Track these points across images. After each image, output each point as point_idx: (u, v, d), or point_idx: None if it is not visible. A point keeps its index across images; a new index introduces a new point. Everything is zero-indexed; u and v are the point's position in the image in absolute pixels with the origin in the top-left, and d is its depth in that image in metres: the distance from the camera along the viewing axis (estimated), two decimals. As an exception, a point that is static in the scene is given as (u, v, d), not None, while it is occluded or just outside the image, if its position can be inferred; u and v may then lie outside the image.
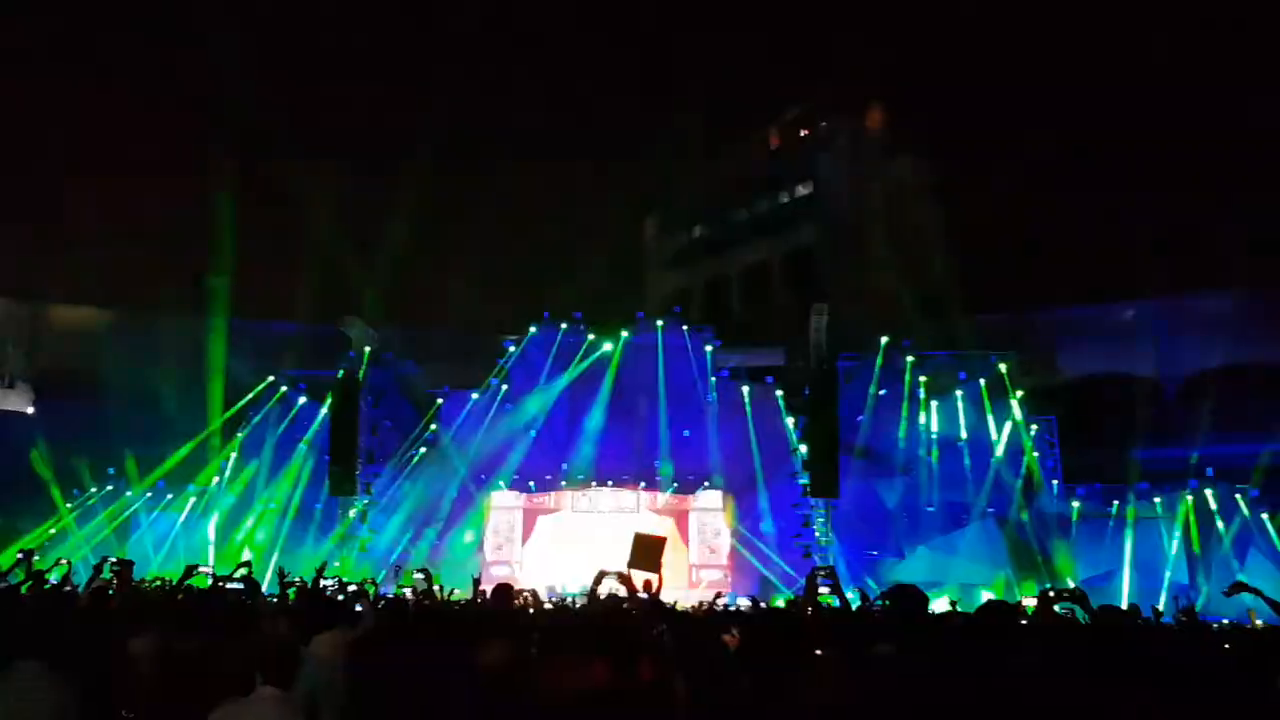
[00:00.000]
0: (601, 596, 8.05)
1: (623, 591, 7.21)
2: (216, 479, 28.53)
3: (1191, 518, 24.18)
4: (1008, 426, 25.36)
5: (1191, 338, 33.99)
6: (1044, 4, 46.66)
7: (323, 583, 11.15)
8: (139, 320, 39.83)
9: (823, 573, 7.32)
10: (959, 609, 13.04)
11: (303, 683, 5.37)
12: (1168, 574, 23.61)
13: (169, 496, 28.76)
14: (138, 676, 5.70)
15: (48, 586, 10.36)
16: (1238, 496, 24.35)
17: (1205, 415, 30.21)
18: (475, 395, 28.24)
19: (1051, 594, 6.42)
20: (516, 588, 15.91)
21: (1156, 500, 24.74)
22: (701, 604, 16.04)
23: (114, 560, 11.70)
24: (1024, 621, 7.92)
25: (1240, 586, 7.60)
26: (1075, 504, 25.02)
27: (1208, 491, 24.41)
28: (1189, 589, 22.98)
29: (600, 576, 7.97)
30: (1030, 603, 14.19)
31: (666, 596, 16.82)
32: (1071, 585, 19.34)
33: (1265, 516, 24.11)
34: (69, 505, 29.01)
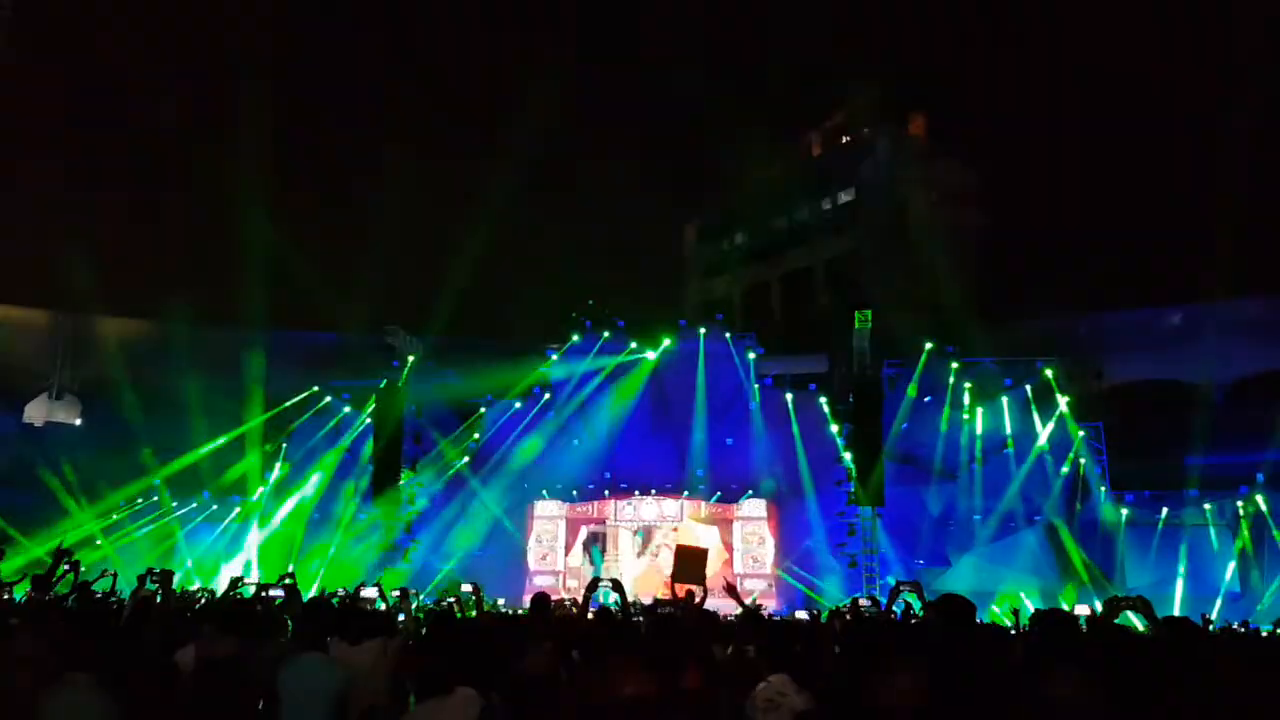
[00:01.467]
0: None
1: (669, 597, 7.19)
2: (260, 489, 28.77)
3: (1245, 525, 23.66)
4: (1054, 433, 24.96)
5: (1240, 342, 33.41)
6: (1091, 10, 46.17)
7: (364, 592, 11.19)
8: (182, 331, 40.37)
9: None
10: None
11: (334, 684, 5.37)
12: (1224, 582, 23.13)
13: (214, 507, 29.04)
14: (181, 689, 5.69)
15: (95, 597, 10.44)
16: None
17: (1255, 421, 29.66)
18: (518, 404, 28.29)
19: (1117, 603, 6.27)
20: (558, 597, 15.88)
21: (1207, 507, 24.24)
22: (757, 607, 15.90)
23: (155, 572, 11.80)
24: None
25: None
26: (1124, 511, 24.60)
27: (1259, 498, 23.85)
28: (1240, 597, 22.54)
29: (594, 584, 7.96)
30: (1083, 611, 13.95)
31: (710, 606, 16.70)
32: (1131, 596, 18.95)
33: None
34: (114, 515, 29.27)
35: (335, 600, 12.26)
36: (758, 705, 4.83)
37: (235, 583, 9.64)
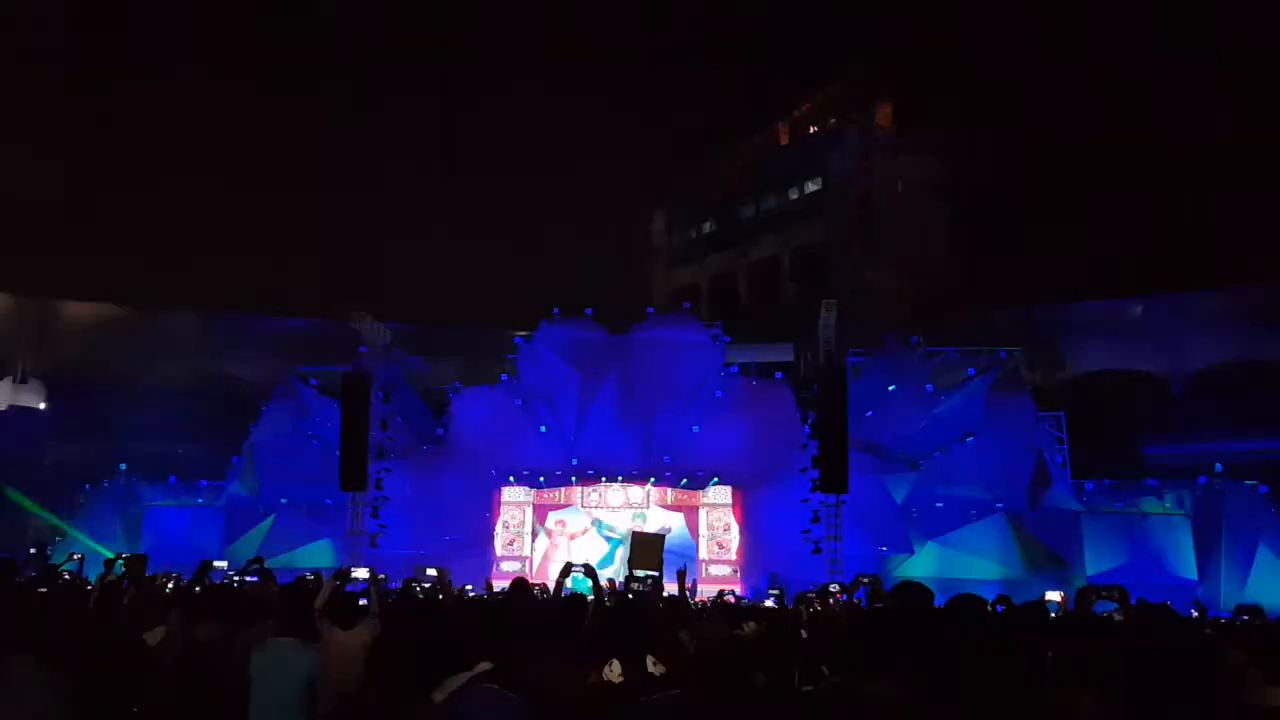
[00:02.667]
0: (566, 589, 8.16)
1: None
2: (227, 474, 28.68)
3: (1203, 514, 24.15)
4: (1016, 422, 25.33)
5: (1200, 334, 34.07)
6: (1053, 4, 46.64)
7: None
8: (148, 316, 40.12)
9: (866, 579, 7.43)
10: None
11: (303, 669, 5.46)
12: (1182, 570, 23.60)
13: (182, 492, 28.92)
14: (150, 672, 5.77)
15: (62, 580, 10.48)
16: (1246, 493, 24.29)
17: (1213, 411, 30.29)
18: (485, 391, 28.39)
19: (1091, 592, 6.46)
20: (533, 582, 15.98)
21: (1165, 496, 24.71)
22: (722, 594, 16.17)
23: (126, 556, 11.83)
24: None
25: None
26: (1084, 500, 25.02)
27: (1216, 487, 24.34)
28: (1199, 585, 23.01)
29: (567, 569, 8.09)
30: (1054, 597, 14.24)
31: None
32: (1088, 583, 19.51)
33: (1275, 512, 24.09)
34: (79, 499, 29.11)
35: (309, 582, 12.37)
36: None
37: (206, 567, 9.69)
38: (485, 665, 4.50)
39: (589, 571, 7.83)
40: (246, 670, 5.70)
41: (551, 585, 8.33)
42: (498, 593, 16.00)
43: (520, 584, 8.16)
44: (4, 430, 35.39)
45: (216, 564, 11.83)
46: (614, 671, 4.48)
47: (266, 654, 5.55)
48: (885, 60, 50.24)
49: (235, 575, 12.03)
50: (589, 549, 25.89)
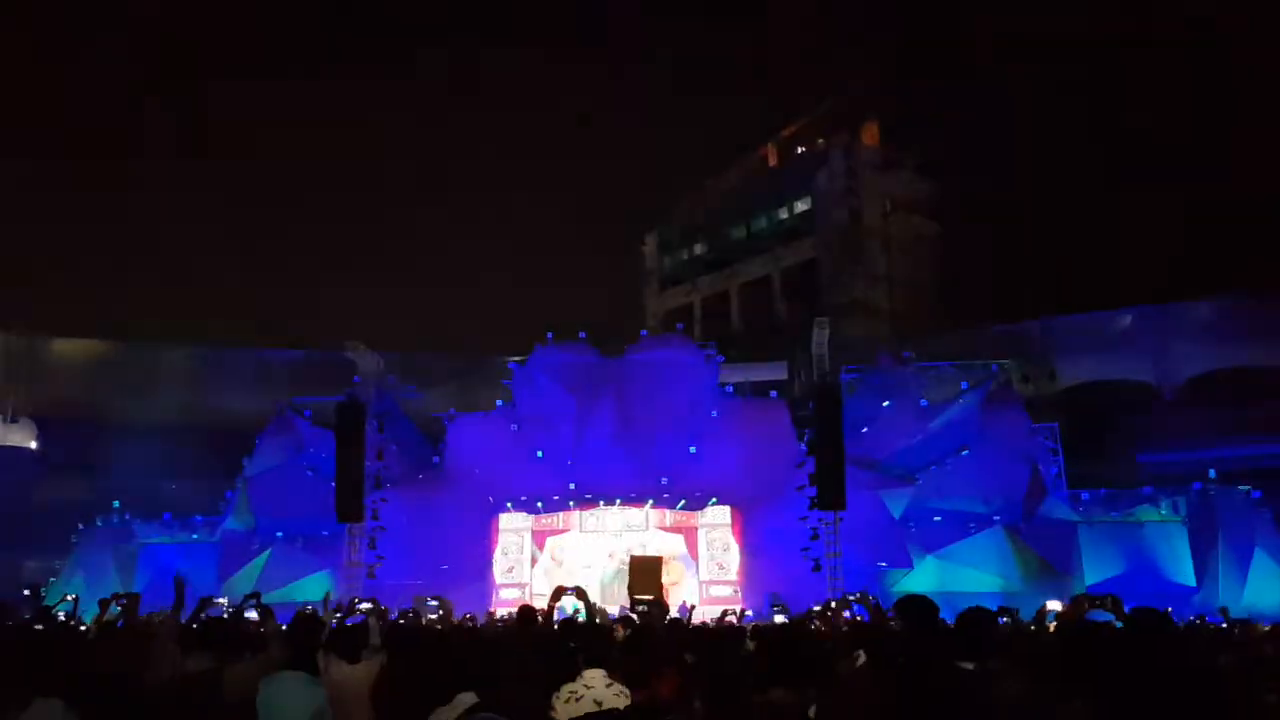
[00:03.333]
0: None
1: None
2: (222, 509, 28.55)
3: (1199, 521, 24.21)
4: (1010, 434, 25.40)
5: (1189, 343, 34.29)
6: (1036, 22, 47.10)
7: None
8: (139, 352, 40.06)
9: (854, 597, 7.45)
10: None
11: (310, 703, 5.42)
12: (1179, 578, 23.65)
13: (176, 529, 28.76)
14: (148, 707, 5.74)
15: (57, 621, 10.45)
16: (1240, 499, 24.38)
17: (1206, 418, 30.44)
18: (480, 417, 28.37)
19: (1085, 601, 6.49)
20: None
21: (1161, 503, 24.77)
22: (724, 614, 16.12)
23: (121, 594, 11.79)
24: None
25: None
26: (1080, 509, 25.08)
27: (1210, 493, 24.42)
28: (1196, 592, 23.04)
29: (558, 593, 8.08)
30: (1055, 606, 14.23)
31: (678, 613, 16.78)
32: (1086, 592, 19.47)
33: (1269, 516, 24.18)
34: (73, 539, 28.95)
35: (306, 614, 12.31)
36: (561, 696, 4.83)
37: (205, 603, 9.66)
38: (469, 697, 4.53)
39: (580, 594, 7.83)
40: (247, 702, 5.68)
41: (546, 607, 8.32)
42: (499, 620, 15.99)
43: (526, 612, 8.17)
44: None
45: (217, 600, 11.79)
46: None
47: (274, 686, 5.51)
48: (872, 80, 50.70)
49: (229, 610, 11.96)
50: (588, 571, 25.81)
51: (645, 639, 5.02)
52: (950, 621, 4.68)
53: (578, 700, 4.68)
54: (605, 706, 4.34)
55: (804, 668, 3.78)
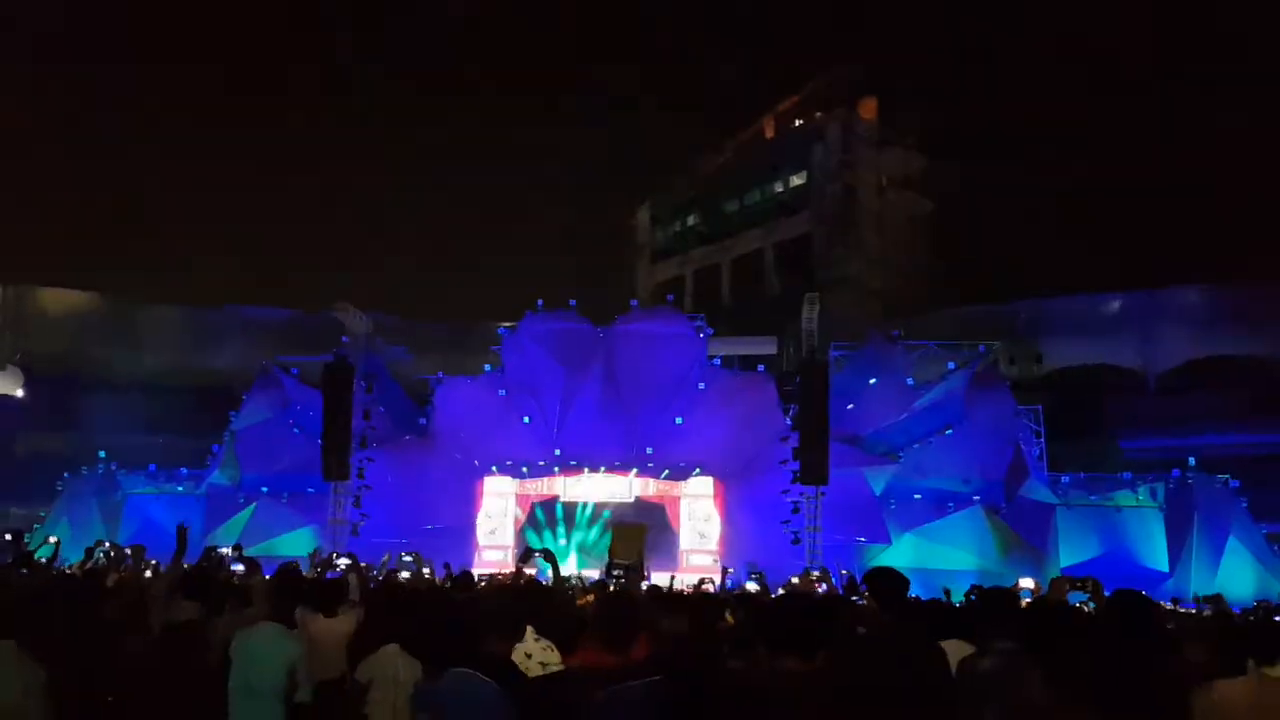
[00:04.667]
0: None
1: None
2: (208, 463, 28.65)
3: (1173, 507, 24.48)
4: (994, 415, 25.58)
5: (1175, 329, 34.47)
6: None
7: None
8: (126, 306, 40.00)
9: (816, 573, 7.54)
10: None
11: (284, 654, 5.50)
12: (1154, 562, 23.96)
13: (161, 480, 28.87)
14: (127, 656, 5.82)
15: (38, 565, 10.55)
16: (1218, 487, 24.64)
17: (1188, 406, 30.69)
18: (468, 382, 28.44)
19: (1065, 582, 6.60)
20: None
21: (1139, 489, 25.03)
22: (701, 582, 16.31)
23: (107, 544, 11.90)
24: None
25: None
26: (1059, 492, 25.33)
27: (1189, 480, 24.67)
28: (1169, 577, 23.34)
29: (527, 554, 8.25)
30: (1027, 584, 14.44)
31: (660, 581, 17.04)
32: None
33: (1245, 506, 24.45)
34: (58, 487, 29.05)
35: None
36: None
37: (209, 553, 9.81)
38: (394, 648, 4.84)
39: (548, 556, 7.96)
40: (225, 652, 5.78)
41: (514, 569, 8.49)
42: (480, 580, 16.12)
43: (465, 576, 8.31)
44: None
45: (220, 550, 11.86)
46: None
47: (251, 638, 5.57)
48: (869, 55, 50.50)
49: (232, 560, 12.04)
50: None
51: (620, 604, 5.10)
52: (923, 598, 4.80)
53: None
54: (534, 659, 4.48)
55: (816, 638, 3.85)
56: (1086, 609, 6.84)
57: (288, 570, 7.91)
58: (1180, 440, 28.52)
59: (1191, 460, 25.19)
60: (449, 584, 10.97)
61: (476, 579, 12.62)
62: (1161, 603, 15.36)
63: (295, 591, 6.33)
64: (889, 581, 5.31)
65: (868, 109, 50.13)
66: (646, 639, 5.02)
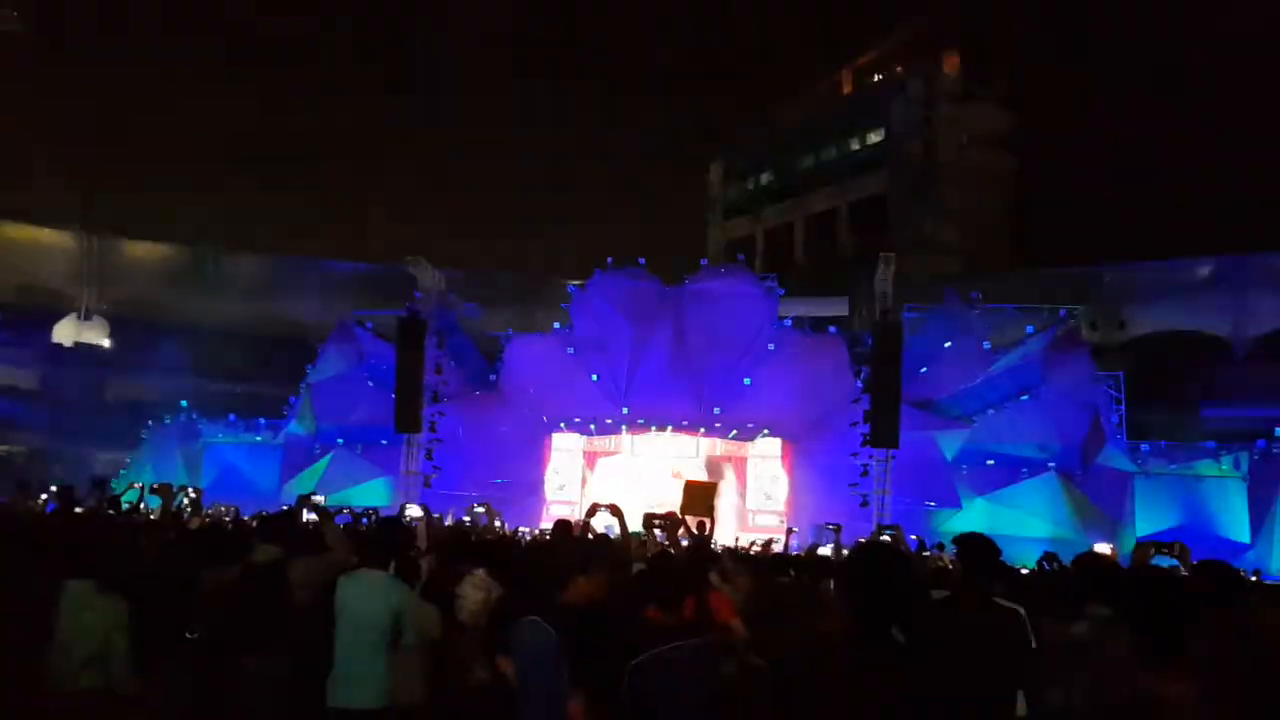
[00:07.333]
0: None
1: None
2: (285, 413, 29.26)
3: (1257, 477, 23.74)
4: (1073, 380, 24.98)
5: (1264, 296, 33.28)
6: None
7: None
8: (209, 257, 40.91)
9: (888, 530, 7.43)
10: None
11: (392, 603, 5.52)
12: (1236, 534, 23.33)
13: (240, 429, 29.56)
14: (206, 596, 5.96)
15: (123, 509, 10.84)
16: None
17: (1274, 375, 29.63)
18: (538, 338, 28.56)
19: (1150, 546, 6.42)
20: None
21: (1223, 458, 24.31)
22: (754, 544, 16.28)
23: (191, 489, 12.20)
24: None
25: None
26: (1138, 460, 24.72)
27: (1274, 451, 23.88)
28: (1251, 548, 22.69)
29: (594, 509, 8.28)
30: (1104, 549, 14.11)
31: (726, 539, 16.97)
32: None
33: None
34: (142, 435, 29.91)
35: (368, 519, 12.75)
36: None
37: (304, 500, 10.00)
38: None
39: (615, 511, 7.92)
40: (305, 594, 5.90)
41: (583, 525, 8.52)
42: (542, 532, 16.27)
43: (563, 525, 8.33)
44: (69, 365, 36.36)
45: (316, 497, 11.97)
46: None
47: (355, 585, 5.51)
48: (953, 8, 49.06)
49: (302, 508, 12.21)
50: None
51: (668, 562, 5.07)
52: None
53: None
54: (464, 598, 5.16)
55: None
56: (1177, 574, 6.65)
57: (390, 520, 8.10)
58: (1266, 410, 27.55)
59: (1278, 430, 24.38)
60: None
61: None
62: (1253, 573, 15.03)
63: (398, 541, 6.29)
64: (979, 547, 5.20)
65: (951, 63, 48.81)
66: (693, 599, 4.97)
